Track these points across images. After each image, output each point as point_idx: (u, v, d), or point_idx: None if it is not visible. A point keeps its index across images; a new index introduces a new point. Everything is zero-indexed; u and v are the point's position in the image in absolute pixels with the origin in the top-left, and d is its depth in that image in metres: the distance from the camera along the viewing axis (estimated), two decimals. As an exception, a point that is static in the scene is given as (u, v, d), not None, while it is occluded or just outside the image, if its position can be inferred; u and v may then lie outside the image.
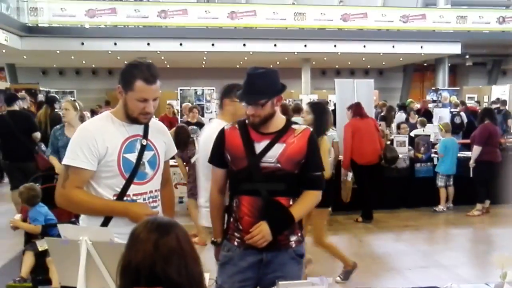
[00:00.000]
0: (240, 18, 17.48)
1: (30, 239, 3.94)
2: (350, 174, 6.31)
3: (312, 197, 2.30)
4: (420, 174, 7.22)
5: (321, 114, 4.19)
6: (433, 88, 18.84)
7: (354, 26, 17.96)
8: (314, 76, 21.41)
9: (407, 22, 18.34)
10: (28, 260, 3.83)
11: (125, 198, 2.12)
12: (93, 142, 2.07)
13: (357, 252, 5.55)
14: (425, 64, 23.51)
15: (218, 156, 2.32)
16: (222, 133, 2.31)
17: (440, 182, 6.99)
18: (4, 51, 15.66)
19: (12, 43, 15.01)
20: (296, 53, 18.06)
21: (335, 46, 17.50)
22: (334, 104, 14.78)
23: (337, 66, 24.01)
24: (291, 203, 2.23)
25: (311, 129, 2.32)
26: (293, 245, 2.27)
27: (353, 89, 7.59)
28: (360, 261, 5.18)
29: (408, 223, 6.61)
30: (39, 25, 16.16)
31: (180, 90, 15.35)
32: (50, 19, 16.42)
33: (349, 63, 22.39)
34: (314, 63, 20.49)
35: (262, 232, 2.14)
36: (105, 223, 2.11)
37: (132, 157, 2.14)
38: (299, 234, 2.31)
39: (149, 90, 2.07)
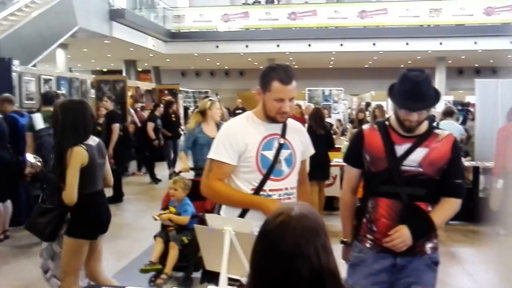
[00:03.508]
0: (370, 16, 17.07)
1: (164, 228, 4.10)
2: (501, 181, 5.82)
3: (453, 205, 2.22)
4: None
5: (72, 116, 2.96)
6: None
7: (499, 20, 16.34)
8: (450, 76, 19.99)
9: None
10: (159, 246, 3.99)
11: (261, 193, 2.25)
12: (235, 139, 2.24)
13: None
14: None
15: (354, 156, 2.33)
16: (360, 133, 2.32)
17: None
18: (151, 55, 17.49)
19: (158, 48, 16.69)
20: (430, 52, 17.05)
21: (475, 43, 16.13)
22: (467, 104, 13.68)
23: (476, 65, 22.10)
24: (429, 209, 2.17)
25: (455, 136, 2.24)
26: (429, 252, 2.20)
27: (496, 90, 6.93)
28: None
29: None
30: (181, 31, 17.67)
31: (308, 90, 15.45)
32: (190, 25, 17.85)
33: (491, 61, 20.41)
34: (450, 62, 19.13)
35: (402, 236, 2.10)
36: (242, 215, 2.26)
37: (270, 154, 2.25)
38: (435, 241, 2.23)
39: (285, 90, 2.18)
